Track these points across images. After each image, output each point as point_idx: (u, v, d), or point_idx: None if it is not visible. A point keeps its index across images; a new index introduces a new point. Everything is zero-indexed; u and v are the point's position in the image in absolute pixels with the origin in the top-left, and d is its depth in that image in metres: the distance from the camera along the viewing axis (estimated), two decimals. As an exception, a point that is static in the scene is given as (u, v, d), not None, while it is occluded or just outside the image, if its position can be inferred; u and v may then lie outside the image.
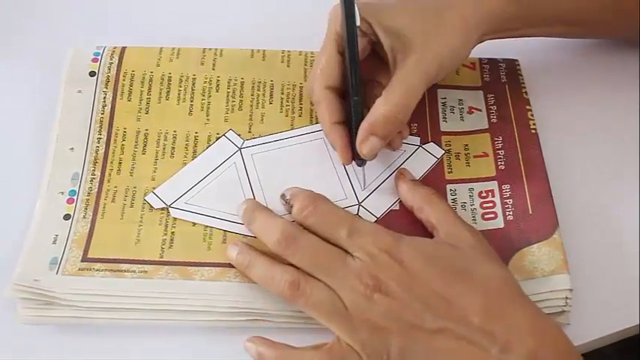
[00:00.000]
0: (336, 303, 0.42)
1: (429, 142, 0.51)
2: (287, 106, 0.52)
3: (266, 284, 0.43)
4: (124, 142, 0.50)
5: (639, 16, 0.51)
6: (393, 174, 0.49)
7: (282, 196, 0.46)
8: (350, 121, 0.47)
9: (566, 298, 0.44)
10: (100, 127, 0.50)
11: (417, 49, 0.46)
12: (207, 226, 0.47)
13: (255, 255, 0.44)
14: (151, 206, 0.47)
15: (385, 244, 0.43)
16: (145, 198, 0.48)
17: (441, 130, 0.51)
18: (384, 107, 0.46)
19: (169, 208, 0.47)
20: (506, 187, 0.49)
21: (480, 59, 0.55)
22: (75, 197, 0.47)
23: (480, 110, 0.52)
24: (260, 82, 0.53)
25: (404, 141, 0.50)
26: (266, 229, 0.45)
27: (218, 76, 0.53)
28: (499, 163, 0.50)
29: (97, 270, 0.44)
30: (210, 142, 0.50)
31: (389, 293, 0.41)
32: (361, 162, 0.47)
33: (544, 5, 0.50)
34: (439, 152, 0.50)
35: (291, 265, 0.43)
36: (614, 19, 0.52)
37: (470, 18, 0.48)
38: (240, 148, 0.50)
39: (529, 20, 0.50)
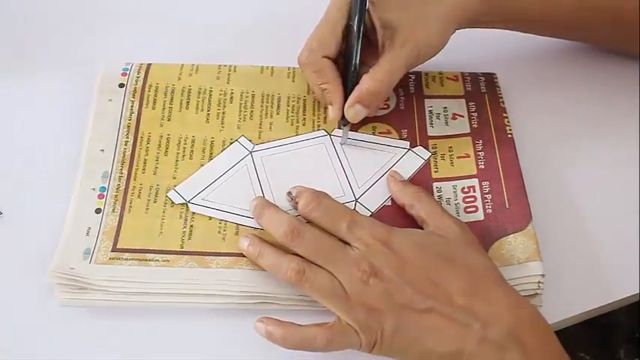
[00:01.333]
0: (337, 287, 0.42)
1: (417, 146, 0.51)
2: (292, 116, 0.53)
3: (274, 271, 0.44)
4: (148, 145, 0.50)
5: (601, 23, 0.53)
6: (386, 174, 0.50)
7: (289, 193, 0.47)
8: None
9: (539, 282, 0.45)
10: (128, 131, 0.51)
11: (403, 38, 0.49)
12: (221, 220, 0.47)
13: (264, 246, 0.45)
14: (172, 202, 0.48)
15: (380, 235, 0.44)
16: (167, 195, 0.48)
17: (428, 134, 0.52)
18: (370, 83, 0.49)
19: (188, 204, 0.48)
20: (485, 183, 0.49)
21: (462, 73, 0.56)
22: (105, 193, 0.48)
23: (463, 117, 0.53)
24: (269, 95, 0.53)
25: (396, 145, 0.51)
26: (274, 223, 0.45)
27: (232, 89, 0.53)
28: (479, 162, 0.50)
29: (125, 259, 0.45)
30: (225, 147, 0.51)
31: (383, 278, 0.42)
32: (345, 122, 0.50)
33: (511, 6, 0.52)
34: (426, 154, 0.51)
35: (297, 254, 0.44)
36: (577, 24, 0.53)
37: (449, 13, 0.50)
38: (251, 152, 0.51)
39: (498, 17, 0.52)
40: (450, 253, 0.43)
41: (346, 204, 0.48)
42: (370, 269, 0.42)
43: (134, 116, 0.52)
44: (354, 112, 0.49)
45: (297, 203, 0.46)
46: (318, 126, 0.52)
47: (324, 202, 0.46)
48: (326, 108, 0.52)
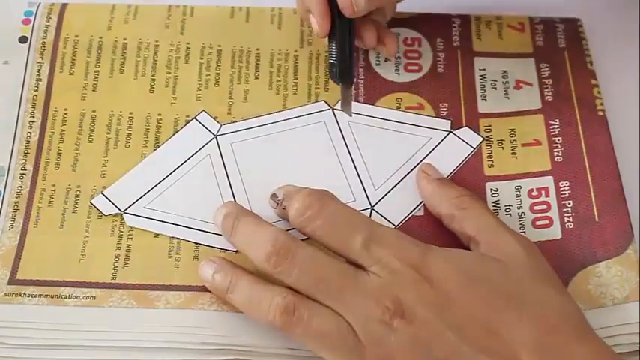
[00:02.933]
0: (345, 332, 0.41)
1: (462, 127, 0.50)
2: (278, 81, 0.51)
3: (251, 311, 0.42)
4: (64, 128, 0.49)
5: None
6: (415, 169, 0.48)
7: (273, 196, 0.46)
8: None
9: (643, 332, 0.42)
10: (34, 107, 0.50)
11: None
12: (173, 238, 0.46)
13: (237, 274, 0.43)
14: (100, 212, 0.47)
15: (411, 257, 0.42)
16: (92, 201, 0.47)
17: (479, 111, 0.51)
18: None
19: (124, 215, 0.47)
20: (564, 184, 0.48)
21: (531, 18, 0.54)
22: (0, 200, 0.47)
23: (531, 85, 0.52)
24: (242, 51, 0.52)
25: (431, 125, 0.50)
26: (252, 241, 0.43)
27: (188, 43, 0.52)
28: (555, 153, 0.49)
29: (30, 295, 0.44)
30: (178, 128, 0.49)
31: (414, 319, 0.40)
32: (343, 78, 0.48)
33: None
34: (476, 140, 0.50)
35: (287, 287, 0.42)
36: None
37: None
38: (216, 136, 0.49)
39: None
40: (512, 286, 0.42)
41: (358, 212, 0.44)
42: (396, 306, 0.40)
43: (42, 85, 0.50)
44: None
45: (284, 209, 0.45)
46: (317, 95, 0.51)
47: (330, 207, 0.44)
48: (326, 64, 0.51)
